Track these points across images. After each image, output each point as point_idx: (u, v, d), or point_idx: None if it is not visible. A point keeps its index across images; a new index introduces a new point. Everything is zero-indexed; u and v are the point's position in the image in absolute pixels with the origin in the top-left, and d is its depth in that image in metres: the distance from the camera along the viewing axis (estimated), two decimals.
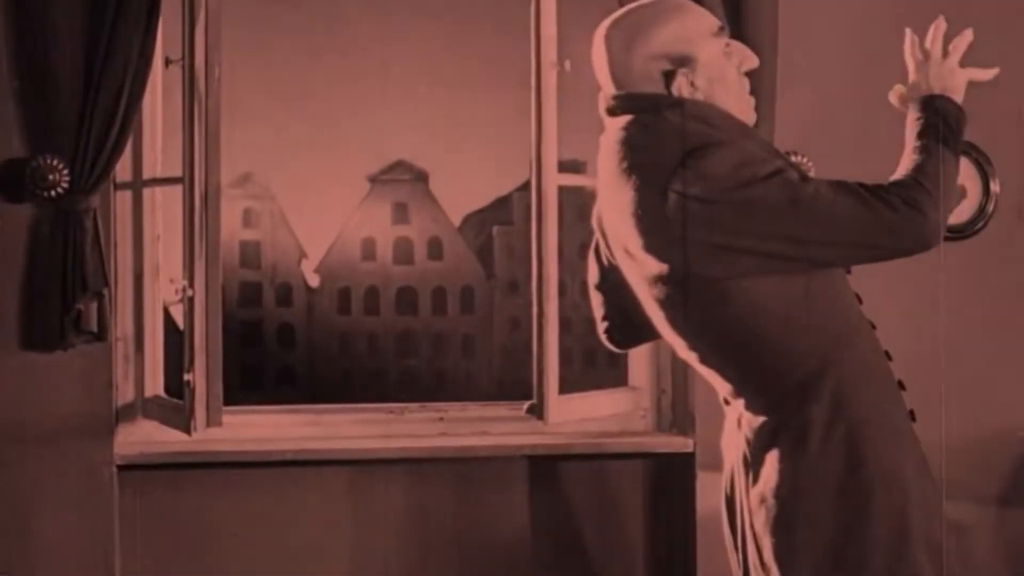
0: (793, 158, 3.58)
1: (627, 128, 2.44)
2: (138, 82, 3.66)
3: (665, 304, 2.44)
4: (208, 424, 3.57)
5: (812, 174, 2.56)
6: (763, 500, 2.40)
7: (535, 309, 3.71)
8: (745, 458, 2.45)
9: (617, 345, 2.76)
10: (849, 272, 2.50)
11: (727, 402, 2.53)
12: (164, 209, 3.92)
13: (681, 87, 2.42)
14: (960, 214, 3.99)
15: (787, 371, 2.40)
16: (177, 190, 3.64)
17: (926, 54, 2.49)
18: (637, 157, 2.41)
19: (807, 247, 2.35)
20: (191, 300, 3.56)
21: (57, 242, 3.66)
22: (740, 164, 2.33)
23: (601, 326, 2.73)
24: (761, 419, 2.43)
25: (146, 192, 3.89)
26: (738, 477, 2.49)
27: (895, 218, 2.33)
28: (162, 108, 3.94)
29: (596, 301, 2.71)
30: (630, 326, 2.66)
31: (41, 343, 3.71)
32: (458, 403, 4.17)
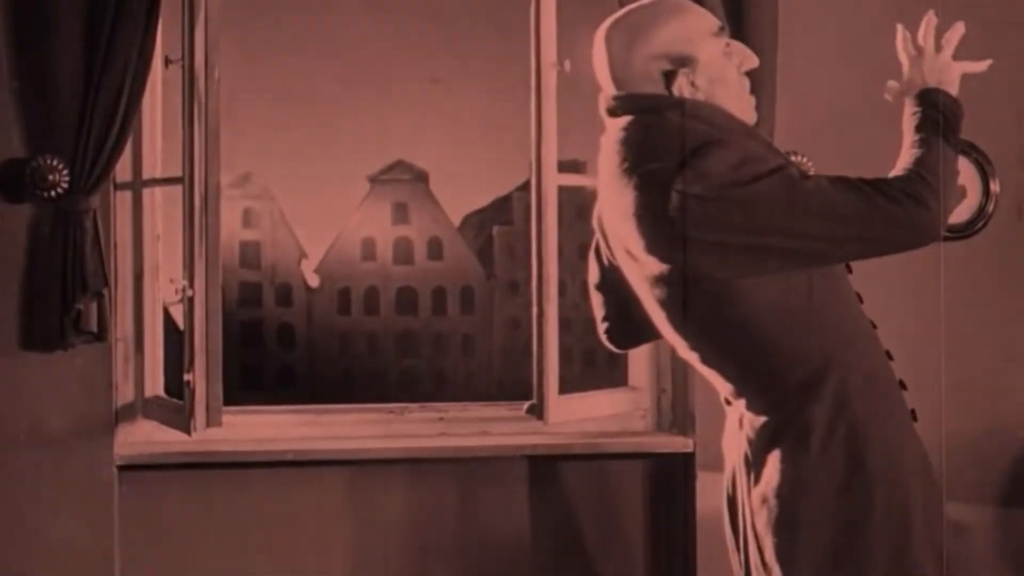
0: (793, 158, 3.58)
1: (628, 128, 2.44)
2: (138, 82, 3.65)
3: (667, 304, 2.44)
4: (208, 424, 3.57)
5: (812, 174, 2.56)
6: (765, 500, 2.40)
7: (535, 309, 3.71)
8: (747, 458, 2.45)
9: (617, 345, 2.76)
10: (850, 271, 2.50)
11: (728, 402, 2.53)
12: (164, 209, 3.92)
13: (682, 87, 2.42)
14: (960, 214, 3.99)
15: (789, 371, 2.40)
16: (177, 190, 3.64)
17: (919, 49, 2.50)
18: (638, 157, 2.41)
19: (811, 243, 2.36)
20: (191, 300, 3.56)
21: (57, 242, 3.66)
22: (741, 162, 2.33)
23: (601, 326, 2.73)
24: (763, 419, 2.43)
25: (146, 192, 3.89)
26: (740, 477, 2.49)
27: (898, 211, 2.33)
28: (162, 108, 3.94)
29: (596, 301, 2.72)
30: (630, 326, 2.67)
31: (41, 343, 3.71)
32: (458, 403, 4.17)
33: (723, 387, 2.51)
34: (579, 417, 3.93)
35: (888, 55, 2.58)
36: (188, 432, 3.59)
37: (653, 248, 2.40)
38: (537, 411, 3.73)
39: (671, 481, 4.03)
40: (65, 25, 3.64)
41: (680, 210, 2.33)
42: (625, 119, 2.45)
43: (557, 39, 3.68)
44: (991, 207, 4.04)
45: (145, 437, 3.87)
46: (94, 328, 3.70)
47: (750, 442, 2.45)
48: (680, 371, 4.00)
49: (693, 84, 2.43)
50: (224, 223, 3.63)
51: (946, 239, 3.92)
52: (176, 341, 3.70)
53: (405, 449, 3.96)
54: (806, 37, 3.87)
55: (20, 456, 3.74)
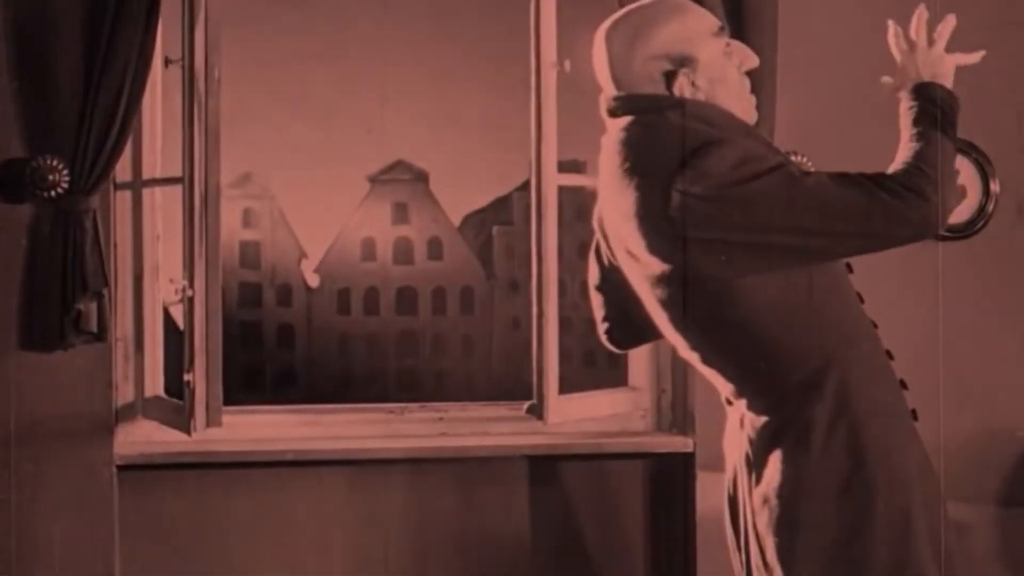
0: (793, 157, 3.58)
1: (628, 129, 2.44)
2: (138, 82, 3.65)
3: (668, 304, 2.44)
4: (208, 424, 3.57)
5: (812, 171, 2.56)
6: (766, 500, 2.40)
7: (535, 309, 3.71)
8: (748, 458, 2.45)
9: (617, 345, 2.76)
10: (851, 271, 2.50)
11: (729, 402, 2.53)
12: (164, 209, 3.92)
13: (682, 87, 2.42)
14: (960, 214, 3.99)
15: (790, 371, 2.40)
16: (177, 190, 3.64)
17: (912, 44, 2.50)
18: (639, 158, 2.41)
19: (813, 239, 2.36)
20: (191, 300, 3.56)
21: (57, 242, 3.66)
22: (741, 161, 2.34)
23: (601, 327, 2.73)
24: (764, 419, 2.43)
25: (146, 192, 3.89)
26: (741, 477, 2.49)
27: (899, 205, 2.34)
28: (162, 108, 3.94)
29: (596, 302, 2.72)
30: (630, 326, 2.66)
31: (41, 343, 3.71)
32: (458, 403, 4.17)
33: (724, 387, 2.51)
34: (579, 417, 3.93)
35: (888, 54, 2.58)
36: (188, 432, 3.59)
37: (654, 248, 2.40)
38: (537, 411, 3.73)
39: (671, 481, 4.03)
40: (65, 25, 3.64)
41: (681, 210, 2.33)
42: (625, 119, 2.45)
43: (557, 39, 3.68)
44: (991, 207, 4.04)
45: (145, 437, 3.87)
46: (94, 328, 3.69)
47: (751, 442, 2.45)
48: (680, 371, 4.00)
49: (694, 84, 2.43)
50: (224, 223, 3.62)
51: (946, 239, 3.95)
52: (176, 341, 3.70)
53: (405, 449, 3.96)
54: (806, 37, 3.87)
55: (20, 456, 3.74)
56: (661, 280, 2.42)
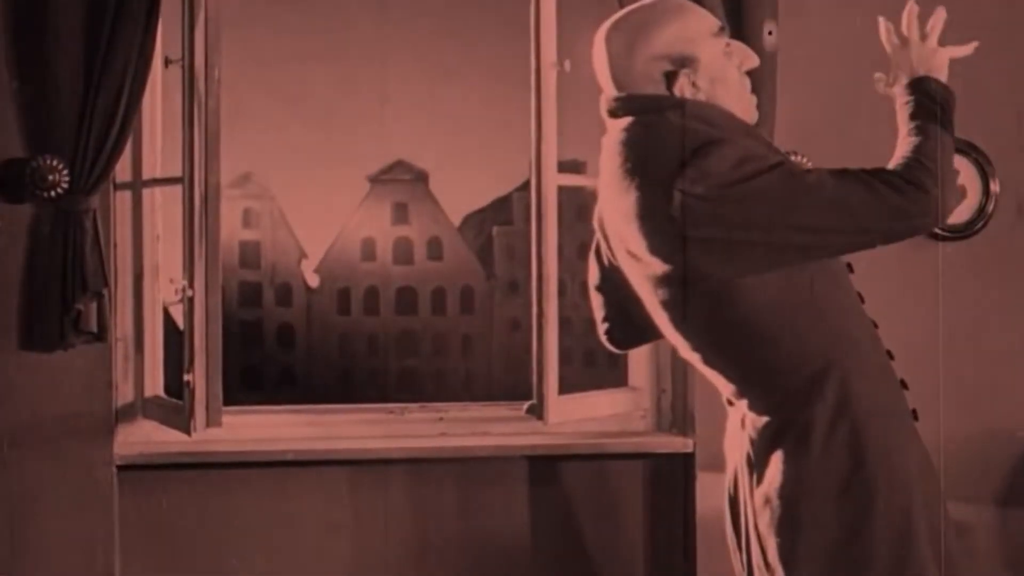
0: (793, 157, 3.58)
1: (629, 130, 2.44)
2: (138, 82, 3.65)
3: (669, 305, 2.44)
4: (208, 424, 3.57)
5: (812, 168, 2.56)
6: (768, 500, 2.40)
7: (535, 309, 3.71)
8: (749, 458, 2.45)
9: (617, 346, 2.76)
10: (852, 271, 2.50)
11: (730, 403, 2.53)
12: (164, 209, 3.92)
13: (683, 88, 2.42)
14: (960, 214, 3.99)
15: (791, 371, 2.40)
16: (177, 190, 3.64)
17: (904, 39, 2.51)
18: (640, 158, 2.41)
19: (815, 235, 2.36)
20: (191, 300, 3.56)
21: (57, 242, 3.66)
22: (742, 160, 2.34)
23: (601, 327, 2.73)
24: (765, 419, 2.43)
25: (146, 192, 3.89)
26: (742, 477, 2.49)
27: (901, 199, 2.34)
28: (162, 108, 3.94)
29: (596, 302, 2.71)
30: (630, 327, 2.66)
31: (41, 343, 3.71)
32: (458, 403, 4.17)
33: (725, 388, 2.51)
34: (579, 417, 3.93)
35: (887, 54, 2.58)
36: (188, 432, 3.59)
37: (655, 249, 2.40)
38: (537, 411, 3.73)
39: (671, 481, 4.03)
40: (65, 25, 3.63)
41: (682, 210, 2.34)
42: (626, 120, 2.45)
43: (557, 39, 3.68)
44: (991, 207, 4.04)
45: (145, 437, 3.87)
46: (94, 328, 3.69)
47: (752, 442, 2.45)
48: (680, 371, 4.00)
49: (694, 84, 2.43)
50: (224, 223, 3.62)
51: (946, 239, 3.95)
52: (176, 341, 3.70)
53: (405, 449, 3.96)
54: (806, 37, 3.87)
55: (20, 456, 3.74)
56: (662, 281, 2.42)
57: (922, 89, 2.46)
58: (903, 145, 2.42)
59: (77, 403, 3.77)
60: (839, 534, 2.37)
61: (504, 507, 4.02)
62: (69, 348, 3.70)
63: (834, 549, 2.38)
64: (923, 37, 2.50)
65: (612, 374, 4.31)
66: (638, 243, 2.42)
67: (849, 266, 2.50)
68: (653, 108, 2.42)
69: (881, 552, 2.36)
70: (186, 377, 3.56)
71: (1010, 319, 4.05)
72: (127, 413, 3.86)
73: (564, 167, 3.76)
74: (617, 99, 2.46)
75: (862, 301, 2.50)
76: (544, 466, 4.03)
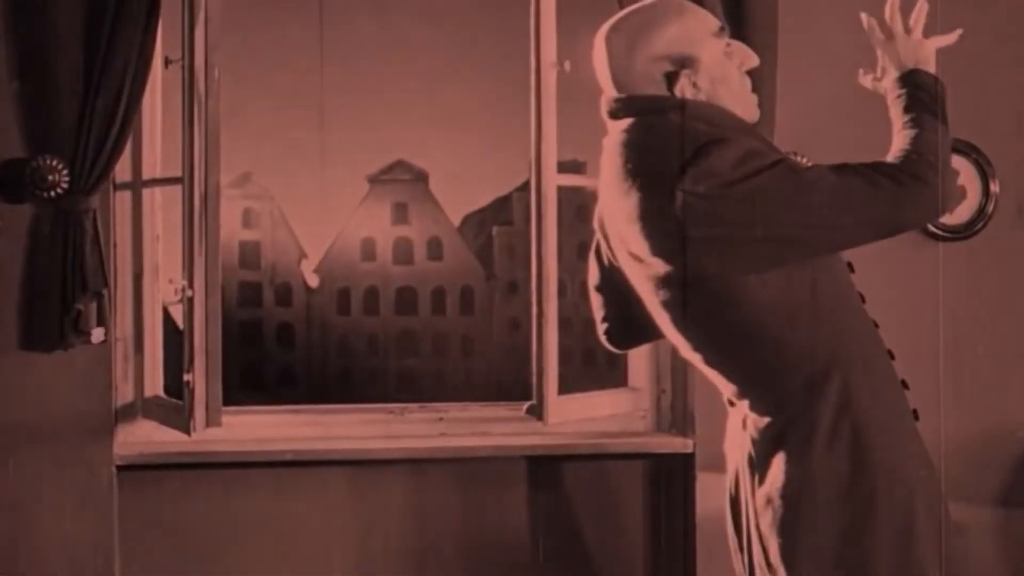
0: (793, 157, 3.57)
1: (630, 130, 2.44)
2: (138, 82, 3.65)
3: (671, 306, 2.44)
4: (208, 424, 3.57)
5: (812, 165, 2.56)
6: (769, 501, 2.40)
7: (535, 309, 3.71)
8: (750, 459, 2.45)
9: (617, 346, 2.76)
10: (852, 271, 2.50)
11: (732, 403, 2.53)
12: (164, 209, 3.92)
13: (684, 88, 2.42)
14: (960, 214, 4.00)
15: (793, 371, 2.40)
16: (177, 190, 3.64)
17: (889, 33, 2.51)
18: (641, 159, 2.40)
19: (818, 231, 2.36)
20: (191, 300, 3.56)
21: (57, 242, 3.66)
22: (743, 158, 2.33)
23: (601, 327, 2.73)
24: (766, 420, 2.43)
25: (146, 192, 3.89)
26: (743, 478, 2.49)
27: (902, 192, 2.34)
28: (162, 108, 3.94)
29: (596, 302, 2.71)
30: (630, 327, 2.66)
31: (41, 343, 3.71)
32: (458, 403, 4.17)
33: (727, 388, 2.51)
34: (579, 417, 3.92)
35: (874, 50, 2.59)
36: (188, 432, 3.58)
37: (658, 250, 2.39)
38: (537, 411, 3.73)
39: (671, 481, 4.03)
40: (65, 25, 3.63)
41: (684, 210, 2.33)
42: (627, 121, 2.45)
43: (557, 39, 3.68)
44: (991, 207, 4.04)
45: (145, 437, 3.87)
46: (94, 328, 3.69)
47: (754, 443, 2.45)
48: (680, 371, 4.00)
49: (695, 85, 2.42)
50: (224, 223, 3.62)
51: (946, 239, 3.95)
52: (176, 341, 3.70)
53: (405, 449, 3.96)
54: (806, 37, 3.87)
55: (20, 456, 3.74)
56: (664, 281, 2.42)
57: (913, 81, 2.46)
58: (900, 138, 2.43)
59: (77, 403, 3.77)
60: (841, 534, 2.37)
61: (504, 507, 4.02)
62: (69, 348, 3.70)
63: (836, 549, 2.37)
64: (907, 30, 2.50)
65: (612, 374, 4.31)
66: (640, 244, 2.42)
67: (850, 265, 2.50)
68: (654, 109, 2.42)
69: (882, 552, 2.36)
70: (186, 377, 3.56)
71: (1010, 319, 4.05)
72: (127, 413, 3.86)
73: (564, 167, 3.76)
74: (618, 100, 2.46)
75: (863, 301, 2.50)
76: (544, 466, 4.03)
